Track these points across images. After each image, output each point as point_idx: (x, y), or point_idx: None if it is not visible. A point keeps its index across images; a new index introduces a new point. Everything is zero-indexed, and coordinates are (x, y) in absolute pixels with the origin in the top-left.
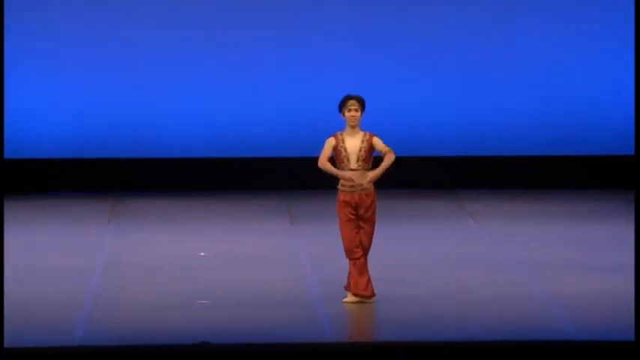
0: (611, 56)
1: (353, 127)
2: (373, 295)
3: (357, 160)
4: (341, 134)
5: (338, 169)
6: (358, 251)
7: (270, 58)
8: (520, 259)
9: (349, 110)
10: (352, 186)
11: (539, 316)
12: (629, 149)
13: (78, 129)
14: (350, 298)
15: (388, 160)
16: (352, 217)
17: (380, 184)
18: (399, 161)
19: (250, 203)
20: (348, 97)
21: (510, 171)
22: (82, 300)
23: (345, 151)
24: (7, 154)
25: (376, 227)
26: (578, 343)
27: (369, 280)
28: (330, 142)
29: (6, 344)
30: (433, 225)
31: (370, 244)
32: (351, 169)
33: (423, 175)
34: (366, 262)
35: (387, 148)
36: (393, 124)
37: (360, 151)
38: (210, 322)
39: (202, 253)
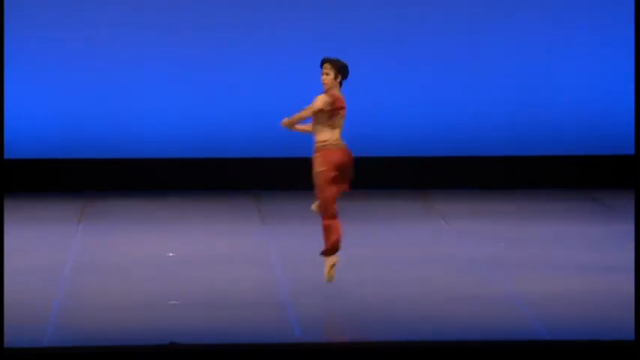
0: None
1: (325, 90)
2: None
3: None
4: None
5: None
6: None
7: (243, 59)
8: (490, 259)
9: (322, 73)
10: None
11: (510, 315)
12: (626, 149)
13: (49, 129)
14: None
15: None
16: None
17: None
18: (369, 162)
19: (221, 203)
20: (322, 60)
21: (481, 171)
22: (51, 300)
23: None
24: None
25: (347, 227)
26: (548, 343)
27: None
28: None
29: None
30: (403, 225)
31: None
32: None
33: (394, 176)
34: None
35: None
36: (363, 125)
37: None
38: (179, 322)
39: (171, 254)
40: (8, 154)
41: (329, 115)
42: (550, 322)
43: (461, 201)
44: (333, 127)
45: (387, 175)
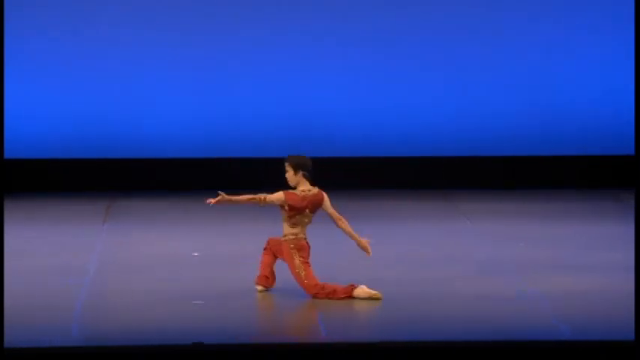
0: (609, 55)
1: (293, 187)
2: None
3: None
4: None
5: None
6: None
7: (263, 58)
8: (512, 258)
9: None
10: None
11: (531, 316)
12: (626, 149)
13: (73, 129)
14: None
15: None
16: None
17: (374, 184)
18: (392, 162)
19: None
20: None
21: (505, 171)
22: (76, 300)
23: None
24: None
25: (370, 228)
26: (570, 343)
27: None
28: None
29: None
30: (427, 225)
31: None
32: None
33: (417, 176)
34: None
35: (341, 219)
36: (385, 125)
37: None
38: (203, 322)
39: (195, 253)
40: (30, 155)
41: (288, 213)
42: (573, 321)
43: (484, 201)
44: (294, 224)
45: (411, 175)
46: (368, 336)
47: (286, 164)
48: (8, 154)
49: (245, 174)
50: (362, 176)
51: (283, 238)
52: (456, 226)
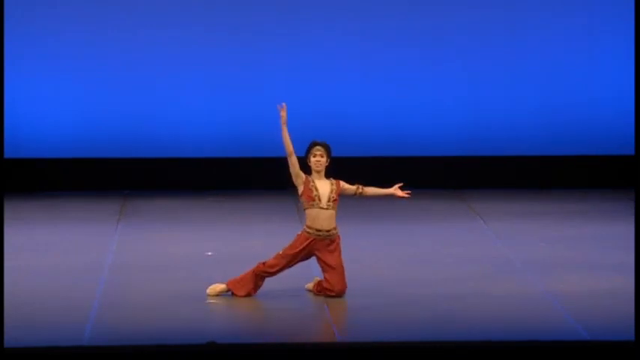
0: (611, 56)
1: (318, 172)
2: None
3: (328, 201)
4: (310, 176)
5: (306, 208)
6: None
7: (276, 58)
8: (526, 259)
9: (314, 155)
10: (318, 230)
11: (545, 315)
12: (629, 149)
13: (87, 129)
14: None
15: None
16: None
17: (388, 183)
18: (406, 161)
19: (259, 203)
20: (314, 143)
21: (516, 171)
22: (90, 299)
23: (317, 190)
24: (17, 153)
25: (384, 228)
26: (585, 343)
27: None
28: (302, 175)
29: (14, 344)
30: (441, 225)
31: (345, 287)
32: (321, 208)
33: (431, 176)
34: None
35: (360, 185)
36: (399, 124)
37: (332, 192)
38: (218, 321)
39: (209, 253)
40: (49, 154)
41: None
42: (588, 322)
43: (496, 201)
44: None
45: (424, 175)
46: (382, 336)
47: (321, 149)
48: (23, 153)
49: (259, 174)
50: (376, 176)
51: (332, 233)
52: (470, 225)
